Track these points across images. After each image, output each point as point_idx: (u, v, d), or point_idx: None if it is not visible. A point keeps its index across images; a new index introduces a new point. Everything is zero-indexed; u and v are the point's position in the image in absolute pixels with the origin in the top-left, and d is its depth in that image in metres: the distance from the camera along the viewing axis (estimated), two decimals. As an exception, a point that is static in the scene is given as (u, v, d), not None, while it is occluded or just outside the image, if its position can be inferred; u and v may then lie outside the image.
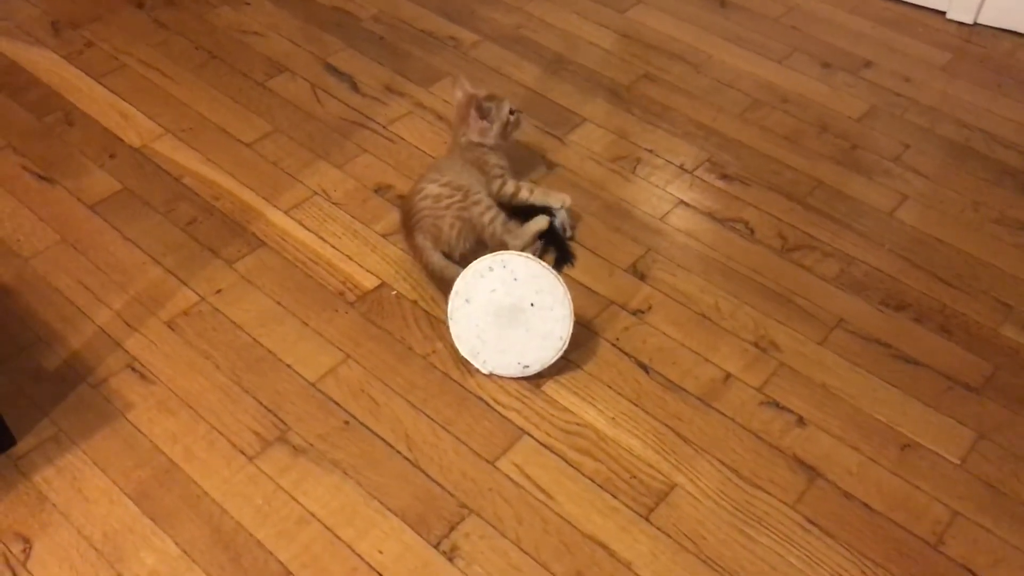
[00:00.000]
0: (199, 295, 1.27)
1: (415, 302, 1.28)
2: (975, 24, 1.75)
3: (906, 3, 1.79)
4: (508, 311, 1.16)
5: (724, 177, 1.47)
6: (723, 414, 1.16)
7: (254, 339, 1.23)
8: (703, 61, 1.68)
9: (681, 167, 1.48)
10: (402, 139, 1.52)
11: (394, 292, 1.29)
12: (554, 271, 1.15)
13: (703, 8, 1.80)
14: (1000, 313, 1.28)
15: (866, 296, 1.30)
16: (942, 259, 1.35)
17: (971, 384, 1.20)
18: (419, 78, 1.63)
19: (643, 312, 1.27)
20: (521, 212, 1.34)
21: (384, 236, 1.36)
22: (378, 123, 1.54)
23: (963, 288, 1.31)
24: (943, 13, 1.76)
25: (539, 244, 1.33)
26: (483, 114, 1.35)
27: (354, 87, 1.61)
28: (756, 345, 1.24)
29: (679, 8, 1.80)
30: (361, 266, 1.32)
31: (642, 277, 1.32)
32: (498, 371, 1.18)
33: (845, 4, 1.80)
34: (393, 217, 1.38)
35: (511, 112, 1.38)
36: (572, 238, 1.37)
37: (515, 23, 1.75)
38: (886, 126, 1.56)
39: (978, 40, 1.73)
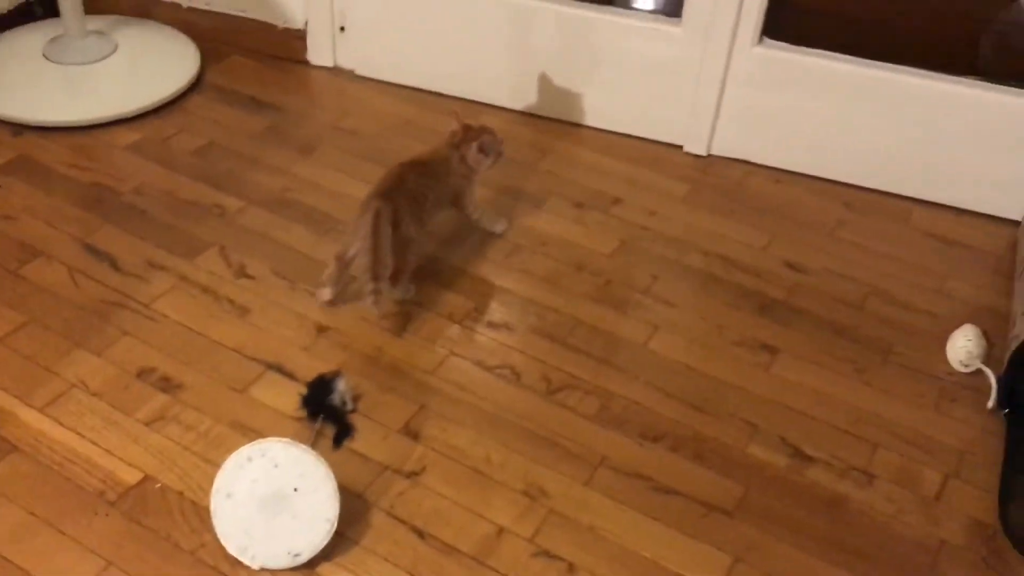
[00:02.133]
0: (-59, 515, 1.19)
1: (181, 493, 1.24)
2: (709, 155, 1.92)
3: (648, 140, 1.95)
4: (272, 500, 1.15)
5: (490, 325, 1.53)
6: (497, 571, 1.18)
7: (6, 558, 1.16)
8: (466, 210, 1.77)
9: (449, 318, 1.54)
10: (165, 317, 1.50)
11: (158, 484, 1.25)
12: (314, 452, 1.16)
13: (464, 157, 1.90)
14: (747, 433, 1.38)
15: (625, 431, 1.37)
16: (692, 386, 1.45)
17: (725, 508, 1.28)
18: (183, 250, 1.62)
19: (417, 474, 1.29)
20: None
21: (147, 424, 1.33)
22: (140, 302, 1.52)
23: (712, 412, 1.41)
24: (680, 147, 1.93)
25: (319, 421, 1.34)
26: (484, 151, 1.59)
27: (115, 266, 1.58)
28: (526, 494, 1.28)
29: (441, 159, 1.89)
30: (123, 460, 1.28)
31: (415, 437, 1.34)
32: (269, 564, 1.15)
33: (594, 145, 1.94)
34: (158, 401, 1.36)
35: (500, 152, 1.63)
36: (354, 410, 1.38)
37: (281, 186, 1.78)
38: (636, 260, 1.68)
39: (712, 170, 1.90)
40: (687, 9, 1.80)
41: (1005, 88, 1.72)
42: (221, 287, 1.56)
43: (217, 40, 2.14)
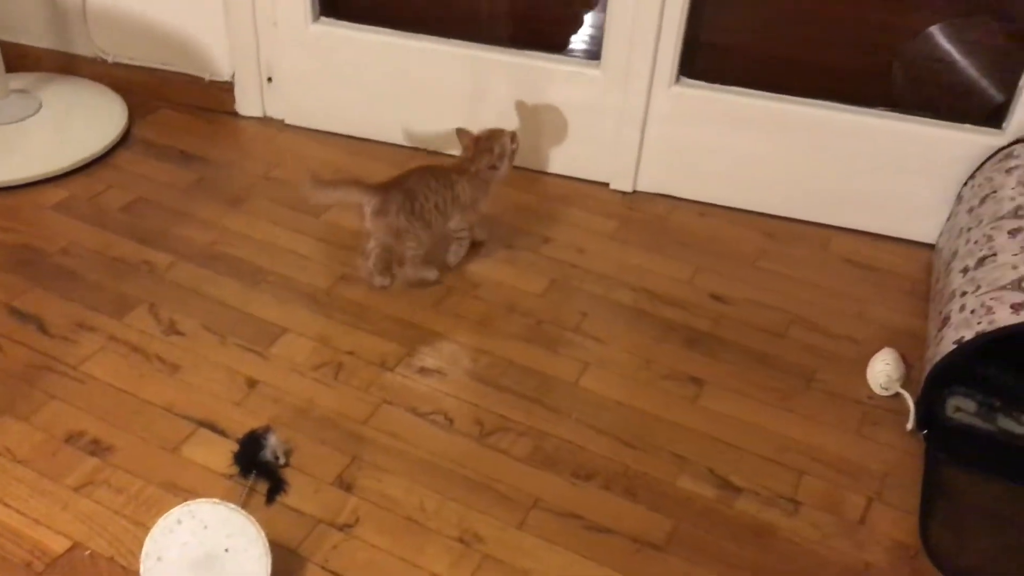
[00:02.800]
0: None
1: (111, 559, 1.23)
2: (635, 192, 1.97)
3: (575, 179, 1.99)
4: (204, 562, 1.14)
5: (423, 371, 1.55)
6: (432, 620, 1.19)
7: (-71, 636, 1.14)
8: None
9: (382, 366, 1.55)
10: (94, 378, 1.49)
11: (87, 552, 1.24)
12: (243, 511, 1.16)
13: (394, 203, 1.92)
14: (676, 466, 1.41)
15: (558, 471, 1.39)
16: (623, 421, 1.48)
17: (656, 543, 1.30)
18: (112, 309, 1.62)
19: (351, 526, 1.30)
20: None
21: (76, 490, 1.31)
22: (68, 364, 1.51)
23: (642, 447, 1.44)
24: (607, 184, 1.98)
25: (251, 477, 1.34)
26: (496, 167, 1.71)
27: (42, 329, 1.57)
28: (461, 540, 1.29)
29: (372, 205, 1.90)
30: (50, 528, 1.26)
31: (349, 488, 1.35)
32: (200, 625, 1.15)
33: (523, 186, 1.97)
34: (88, 465, 1.35)
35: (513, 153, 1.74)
36: (286, 464, 1.38)
37: (211, 239, 1.79)
38: (566, 298, 1.71)
39: (638, 206, 1.95)
40: (605, 52, 1.84)
41: (916, 118, 1.79)
42: (151, 345, 1.56)
43: (145, 94, 2.14)
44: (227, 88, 2.11)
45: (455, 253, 1.75)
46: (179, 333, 1.58)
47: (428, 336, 1.61)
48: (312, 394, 1.49)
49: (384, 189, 1.64)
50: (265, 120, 2.13)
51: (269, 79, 2.07)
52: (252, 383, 1.50)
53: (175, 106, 2.14)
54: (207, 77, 2.11)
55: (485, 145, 1.71)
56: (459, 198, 1.69)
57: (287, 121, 2.11)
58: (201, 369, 1.52)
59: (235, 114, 2.13)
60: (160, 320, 1.61)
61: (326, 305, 1.66)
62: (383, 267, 1.69)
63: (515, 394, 1.51)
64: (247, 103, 2.11)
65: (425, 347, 1.59)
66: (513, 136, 1.73)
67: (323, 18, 1.99)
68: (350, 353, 1.57)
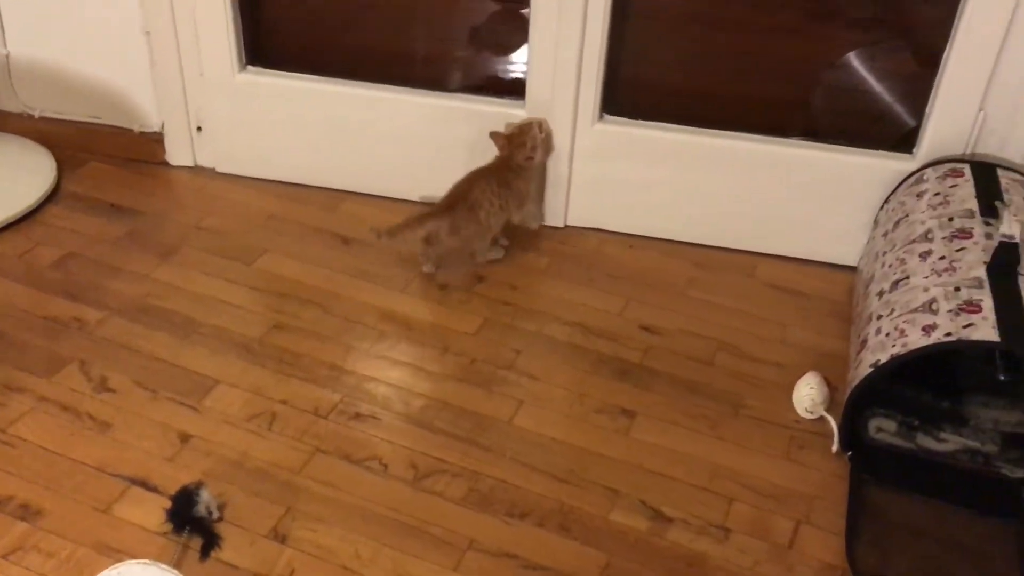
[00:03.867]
0: None
1: (42, 626, 1.22)
2: (566, 227, 2.00)
3: (507, 216, 2.03)
4: (132, 623, 1.14)
5: (357, 416, 1.55)
6: (368, 670, 1.20)
7: None
8: (331, 301, 1.79)
9: (315, 413, 1.55)
10: (24, 441, 1.47)
11: (17, 621, 1.23)
12: (174, 571, 1.16)
13: (328, 247, 1.93)
14: (609, 500, 1.43)
15: (493, 511, 1.41)
16: (556, 457, 1.50)
17: (589, 578, 1.32)
18: (42, 369, 1.60)
19: (286, 578, 1.30)
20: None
21: (5, 557, 1.29)
22: (-4, 428, 1.50)
23: (575, 483, 1.46)
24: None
25: (185, 533, 1.33)
26: (532, 157, 1.85)
27: (-31, 392, 1.56)
28: (396, 586, 1.30)
29: (304, 251, 1.91)
30: (-21, 598, 1.25)
31: (283, 540, 1.35)
32: None
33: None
34: (17, 530, 1.33)
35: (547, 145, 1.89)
36: (220, 519, 1.37)
37: (142, 292, 1.78)
38: (499, 336, 1.73)
39: (570, 241, 1.98)
40: (529, 92, 1.88)
41: (832, 146, 1.85)
42: (82, 404, 1.55)
43: (73, 147, 2.13)
44: (157, 139, 2.11)
45: (491, 253, 1.91)
46: (110, 390, 1.57)
47: (362, 380, 1.62)
48: (246, 446, 1.49)
49: (450, 209, 1.81)
50: (196, 169, 2.13)
51: (199, 128, 2.08)
52: (185, 437, 1.50)
53: (105, 159, 2.13)
54: (136, 128, 2.11)
55: (518, 141, 1.85)
56: (515, 194, 1.86)
57: (218, 169, 2.12)
58: (133, 426, 1.51)
59: (166, 164, 2.13)
60: (91, 378, 1.60)
61: (259, 354, 1.66)
62: (439, 263, 1.87)
63: (450, 435, 1.53)
64: (177, 153, 2.11)
65: (359, 392, 1.60)
66: (541, 125, 1.86)
67: (250, 67, 2.01)
68: (283, 402, 1.57)
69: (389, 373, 1.64)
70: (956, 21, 1.69)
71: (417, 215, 1.83)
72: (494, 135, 1.86)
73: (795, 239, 1.92)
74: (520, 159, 1.85)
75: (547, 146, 1.89)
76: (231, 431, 1.51)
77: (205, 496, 1.37)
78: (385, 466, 1.47)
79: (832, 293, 1.85)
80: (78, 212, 1.99)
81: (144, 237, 1.93)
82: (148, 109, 2.09)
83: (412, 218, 1.83)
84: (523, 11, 1.86)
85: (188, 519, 1.35)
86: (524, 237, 1.96)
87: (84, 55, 2.06)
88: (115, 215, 1.99)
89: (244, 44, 1.99)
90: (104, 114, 2.11)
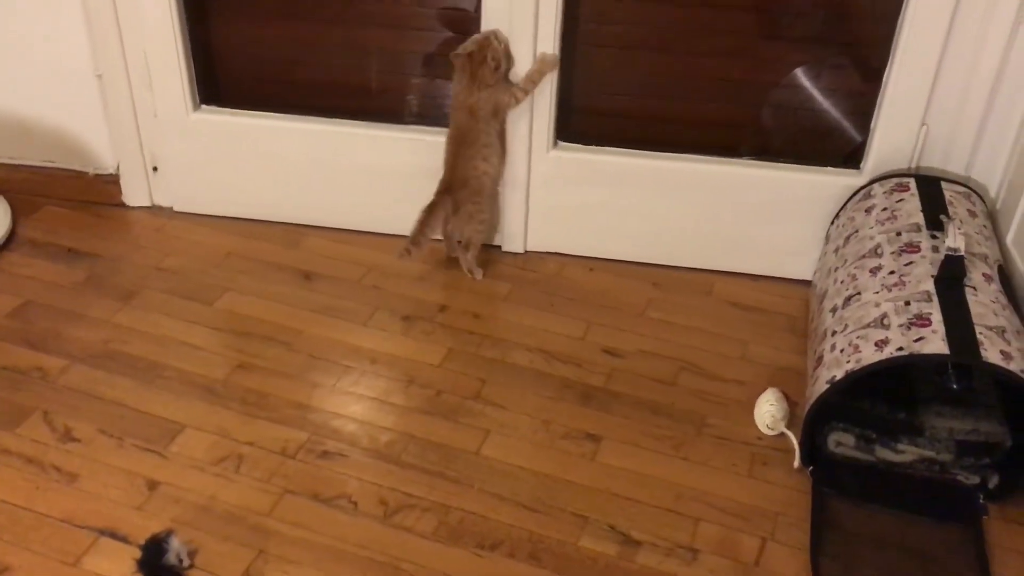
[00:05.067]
0: None
1: None
2: (526, 252, 2.02)
3: (466, 244, 2.04)
4: None
5: (324, 455, 1.56)
6: None
7: None
8: (294, 338, 1.79)
9: (282, 454, 1.55)
10: (-13, 497, 1.47)
11: None
12: (145, 625, 1.16)
13: (289, 284, 1.93)
14: (578, 526, 1.45)
15: (463, 544, 1.42)
16: (524, 486, 1.51)
17: (561, 606, 1.34)
18: (3, 422, 1.59)
19: (259, 623, 1.30)
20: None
21: (-27, 618, 1.29)
22: (-41, 485, 1.48)
23: (544, 511, 1.47)
24: (499, 247, 2.03)
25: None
26: (499, 67, 1.80)
27: (-71, 449, 1.54)
28: (370, 626, 1.30)
29: (266, 289, 1.91)
30: (-53, 662, 1.24)
31: (255, 584, 1.35)
32: None
33: (416, 254, 2.00)
34: (-16, 589, 1.32)
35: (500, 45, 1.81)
36: (191, 566, 1.37)
37: (103, 338, 1.77)
38: (464, 366, 1.74)
39: (530, 266, 2.00)
40: (482, 121, 1.91)
41: (782, 165, 1.89)
42: (46, 455, 1.54)
43: (28, 192, 2.12)
44: (112, 180, 2.10)
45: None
46: (75, 440, 1.56)
47: (328, 418, 1.63)
48: (214, 490, 1.49)
49: (447, 190, 1.89)
50: (154, 209, 2.12)
51: (155, 168, 2.07)
52: (153, 485, 1.49)
53: (60, 202, 2.12)
54: (91, 171, 2.10)
55: (479, 58, 1.80)
56: (494, 111, 1.85)
57: (176, 208, 2.11)
58: (99, 475, 1.51)
59: (123, 205, 2.12)
60: (55, 428, 1.58)
61: (224, 396, 1.66)
62: (467, 245, 1.95)
63: (418, 469, 1.53)
64: (134, 194, 2.11)
65: (326, 430, 1.60)
66: (496, 35, 1.82)
67: (204, 106, 2.01)
68: (250, 443, 1.57)
69: (355, 408, 1.65)
70: (895, 38, 1.74)
71: (425, 211, 1.89)
72: (454, 56, 1.82)
73: (750, 256, 1.96)
74: (488, 78, 1.81)
75: (508, 54, 1.84)
76: (199, 476, 1.51)
77: (175, 544, 1.36)
78: (355, 504, 1.48)
79: (789, 308, 1.89)
80: (35, 258, 1.98)
81: (103, 281, 1.92)
82: (103, 151, 2.08)
83: (423, 217, 1.88)
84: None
85: (159, 568, 1.35)
86: (485, 264, 1.98)
87: (36, 99, 2.05)
88: (73, 260, 1.98)
89: (197, 83, 1.99)
90: (58, 158, 2.10)
